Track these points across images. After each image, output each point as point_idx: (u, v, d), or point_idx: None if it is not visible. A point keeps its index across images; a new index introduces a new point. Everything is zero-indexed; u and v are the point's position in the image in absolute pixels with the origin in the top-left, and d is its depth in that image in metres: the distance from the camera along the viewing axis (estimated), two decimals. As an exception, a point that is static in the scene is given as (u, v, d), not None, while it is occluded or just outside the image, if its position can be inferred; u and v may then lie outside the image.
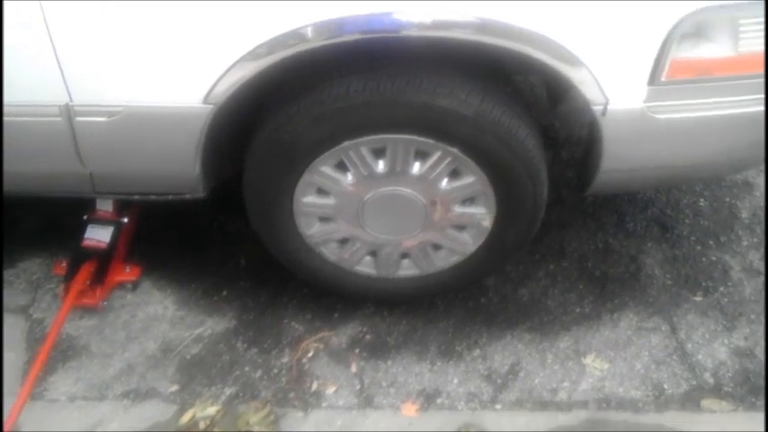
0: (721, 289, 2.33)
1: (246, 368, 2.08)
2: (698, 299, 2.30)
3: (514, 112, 1.78)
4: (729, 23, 1.60)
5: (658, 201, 2.65)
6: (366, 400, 2.01)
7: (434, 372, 2.08)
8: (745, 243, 2.49)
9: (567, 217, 2.57)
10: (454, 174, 1.88)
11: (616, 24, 1.59)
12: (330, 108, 1.73)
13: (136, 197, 2.02)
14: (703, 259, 2.43)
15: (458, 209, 1.95)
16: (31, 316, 2.21)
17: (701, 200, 2.67)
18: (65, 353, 2.10)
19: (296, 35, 1.59)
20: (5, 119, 1.73)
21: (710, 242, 2.50)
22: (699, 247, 2.48)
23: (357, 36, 1.60)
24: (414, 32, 1.60)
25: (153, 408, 1.97)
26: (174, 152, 1.80)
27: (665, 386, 2.04)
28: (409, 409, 1.98)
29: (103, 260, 2.22)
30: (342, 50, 1.65)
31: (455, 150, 1.79)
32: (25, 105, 1.71)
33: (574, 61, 1.62)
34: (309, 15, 1.57)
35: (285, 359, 2.10)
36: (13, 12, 1.57)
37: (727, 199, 2.67)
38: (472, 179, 1.87)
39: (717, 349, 2.14)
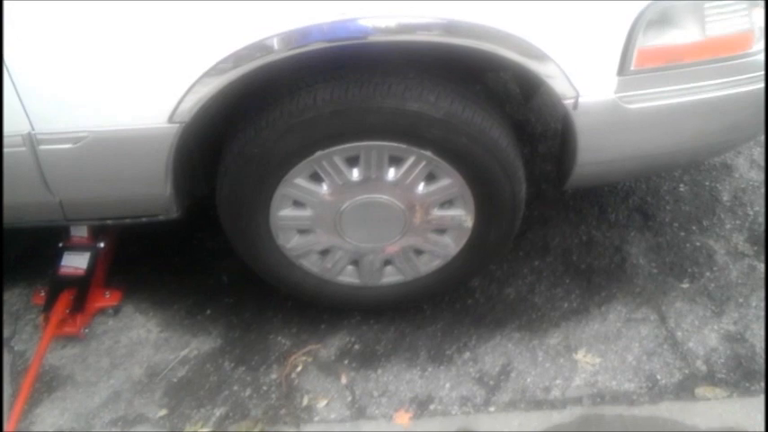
0: (707, 274, 2.31)
1: (235, 387, 2.05)
2: (685, 286, 2.28)
3: (486, 112, 1.77)
4: (694, 8, 1.59)
5: (638, 189, 2.64)
6: (358, 412, 1.98)
7: (426, 378, 2.06)
8: (728, 226, 2.48)
9: (549, 212, 2.56)
10: (430, 177, 1.86)
11: (580, 17, 1.58)
12: (299, 119, 1.71)
13: (109, 222, 1.99)
14: (687, 245, 2.42)
15: (437, 212, 1.93)
16: (13, 348, 2.17)
17: (681, 185, 2.65)
18: (49, 384, 2.07)
19: (259, 47, 1.56)
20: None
21: (693, 227, 2.49)
22: (682, 234, 2.46)
23: (323, 45, 1.58)
24: (380, 38, 1.58)
25: (142, 434, 1.94)
26: (143, 174, 1.77)
27: (658, 376, 2.02)
28: (402, 418, 1.96)
29: (82, 287, 2.19)
30: (307, 60, 1.62)
31: (428, 153, 1.77)
32: None
33: (541, 56, 1.61)
34: (272, 27, 1.55)
35: (274, 375, 2.08)
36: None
37: (707, 183, 2.66)
38: (448, 181, 1.85)
39: (707, 336, 2.13)
